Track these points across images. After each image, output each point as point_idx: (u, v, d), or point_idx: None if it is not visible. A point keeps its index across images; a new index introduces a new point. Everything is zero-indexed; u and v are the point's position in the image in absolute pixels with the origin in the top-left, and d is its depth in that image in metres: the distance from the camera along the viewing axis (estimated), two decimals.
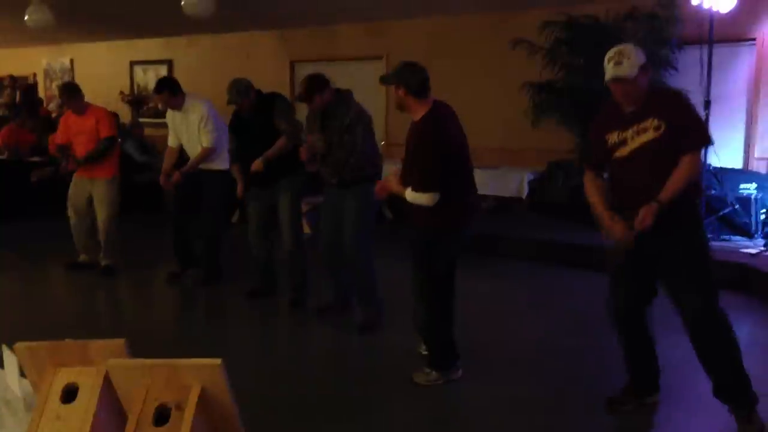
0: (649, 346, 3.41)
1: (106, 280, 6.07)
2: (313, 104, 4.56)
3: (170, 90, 5.63)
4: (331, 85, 4.59)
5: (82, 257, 6.33)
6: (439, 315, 3.78)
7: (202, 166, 5.67)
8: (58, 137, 6.24)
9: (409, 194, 3.56)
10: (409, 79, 3.58)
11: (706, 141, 3.15)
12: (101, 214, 6.03)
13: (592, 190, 3.29)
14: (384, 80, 3.76)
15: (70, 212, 6.15)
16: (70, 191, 6.13)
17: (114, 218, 6.06)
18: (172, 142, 5.82)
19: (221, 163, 5.65)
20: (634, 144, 3.09)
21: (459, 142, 3.67)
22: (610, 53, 3.09)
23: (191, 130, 5.64)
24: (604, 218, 3.16)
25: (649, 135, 3.03)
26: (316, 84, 4.52)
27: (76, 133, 6.01)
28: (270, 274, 5.48)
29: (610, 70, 3.06)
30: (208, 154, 5.59)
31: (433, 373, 3.81)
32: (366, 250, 4.57)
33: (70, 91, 6.01)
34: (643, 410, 3.45)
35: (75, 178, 6.12)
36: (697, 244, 3.12)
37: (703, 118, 6.71)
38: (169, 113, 5.78)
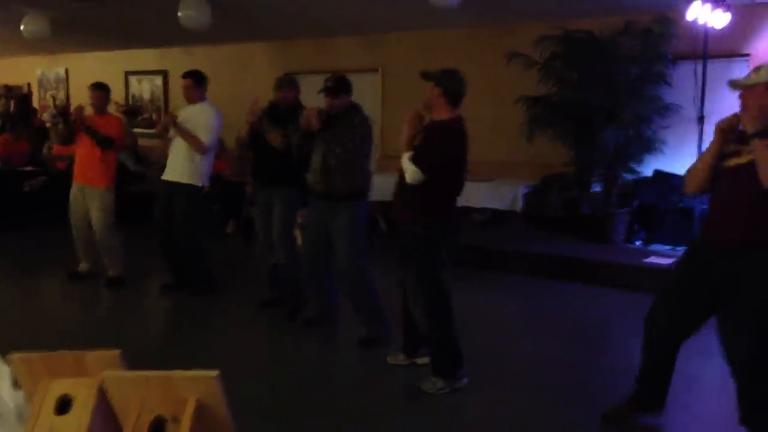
0: (669, 367, 3.36)
1: (101, 291, 6.03)
2: (334, 102, 4.51)
3: (196, 79, 5.68)
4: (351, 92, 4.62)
5: (82, 266, 6.29)
6: (442, 315, 3.81)
7: (174, 177, 5.63)
8: (79, 139, 6.22)
9: (406, 158, 3.70)
10: (449, 84, 3.76)
11: None
12: (96, 224, 6.00)
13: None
14: (426, 76, 3.85)
15: (72, 220, 6.14)
16: (70, 199, 6.12)
17: (109, 227, 6.03)
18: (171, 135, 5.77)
19: (195, 177, 5.61)
20: (746, 158, 2.99)
21: (466, 154, 3.89)
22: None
23: (193, 127, 5.57)
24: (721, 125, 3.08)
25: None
26: (346, 85, 4.56)
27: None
28: (280, 285, 5.44)
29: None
30: (198, 145, 5.52)
31: (440, 381, 3.82)
32: (363, 267, 4.54)
33: (98, 86, 6.12)
34: (643, 426, 3.43)
35: (74, 185, 6.10)
36: (764, 286, 2.98)
37: (697, 133, 6.76)
38: (181, 111, 5.77)
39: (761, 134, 2.88)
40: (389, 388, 4.02)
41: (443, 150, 3.73)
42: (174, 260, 5.88)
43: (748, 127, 2.93)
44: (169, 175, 5.71)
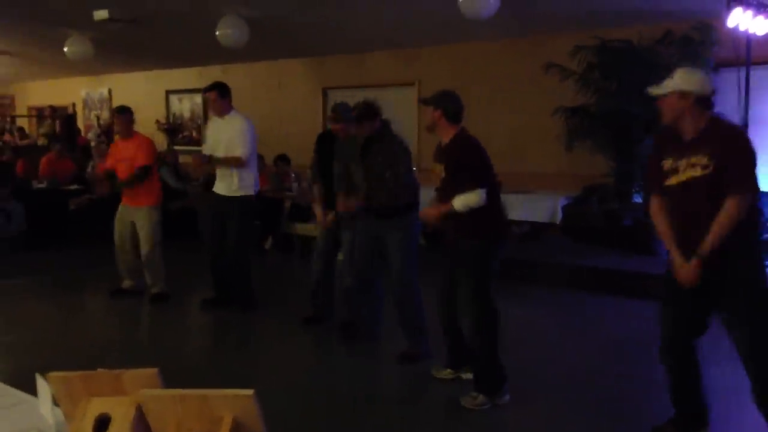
0: (696, 379, 3.30)
1: (144, 307, 6.12)
2: (360, 130, 4.59)
3: (219, 91, 5.67)
4: (380, 114, 4.66)
5: (126, 283, 6.39)
6: (489, 329, 3.81)
7: (224, 191, 5.68)
8: (106, 162, 6.40)
9: (458, 200, 3.72)
10: (448, 104, 3.86)
11: (751, 189, 2.98)
12: (144, 242, 6.10)
13: (660, 218, 3.22)
14: (425, 101, 3.98)
15: (116, 239, 6.24)
16: (116, 218, 6.23)
17: (156, 246, 6.12)
18: (205, 151, 5.84)
19: (244, 188, 5.66)
20: (683, 176, 3.04)
21: (489, 160, 3.91)
22: None
23: (227, 140, 5.63)
24: (674, 257, 3.11)
25: (697, 171, 2.99)
26: (371, 112, 4.60)
27: (119, 159, 6.14)
28: (324, 301, 5.44)
29: None
30: (238, 163, 5.57)
31: (480, 396, 3.80)
32: (413, 281, 4.54)
33: (119, 111, 6.20)
34: None
35: (120, 206, 6.22)
36: (751, 277, 3.03)
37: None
38: (210, 123, 5.83)
39: (698, 256, 2.97)
40: (431, 403, 4.01)
41: (470, 161, 3.80)
42: (220, 276, 5.92)
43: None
44: (219, 189, 5.76)
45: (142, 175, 6.00)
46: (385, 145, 4.55)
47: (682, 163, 3.04)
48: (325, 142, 5.32)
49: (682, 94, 3.02)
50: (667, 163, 3.11)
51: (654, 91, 3.12)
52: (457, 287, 3.87)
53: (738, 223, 2.94)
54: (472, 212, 3.73)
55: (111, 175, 6.24)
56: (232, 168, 5.61)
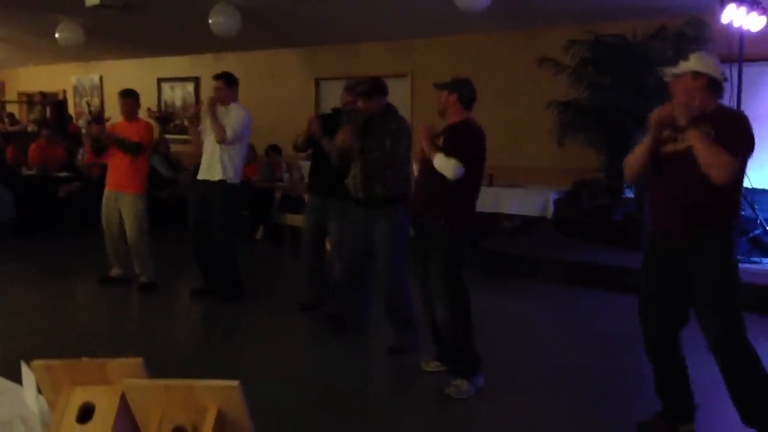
0: (681, 372, 3.33)
1: (132, 296, 6.10)
2: (368, 105, 4.50)
3: (226, 80, 5.73)
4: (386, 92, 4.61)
5: (114, 271, 6.37)
6: (464, 313, 3.86)
7: (208, 176, 5.68)
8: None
9: (439, 157, 3.78)
10: (464, 89, 3.98)
11: (740, 151, 2.95)
12: (129, 230, 6.08)
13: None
14: (441, 86, 4.03)
15: (104, 224, 6.22)
16: (102, 206, 6.21)
17: (142, 234, 6.10)
18: (203, 137, 5.83)
19: (228, 172, 5.65)
20: (682, 144, 3.04)
21: (484, 153, 3.97)
22: None
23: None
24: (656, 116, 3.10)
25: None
26: (381, 87, 4.54)
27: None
28: (319, 288, 5.44)
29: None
30: (222, 136, 5.54)
31: (465, 384, 3.84)
32: (400, 274, 4.51)
33: (125, 93, 6.19)
34: None
35: (105, 192, 6.19)
36: (722, 268, 3.05)
37: None
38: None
39: (694, 123, 2.95)
40: (421, 395, 4.01)
41: (466, 147, 3.84)
42: (205, 264, 5.91)
43: (681, 119, 2.99)
44: (203, 174, 5.76)
45: (134, 147, 5.95)
46: (392, 131, 4.44)
47: (684, 135, 3.04)
48: (331, 122, 5.26)
49: (696, 75, 3.08)
50: (666, 132, 3.12)
51: (669, 71, 3.18)
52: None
53: (715, 212, 3.01)
54: (446, 193, 3.78)
55: (101, 146, 6.15)
56: (221, 157, 5.62)
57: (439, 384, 4.01)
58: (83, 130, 12.05)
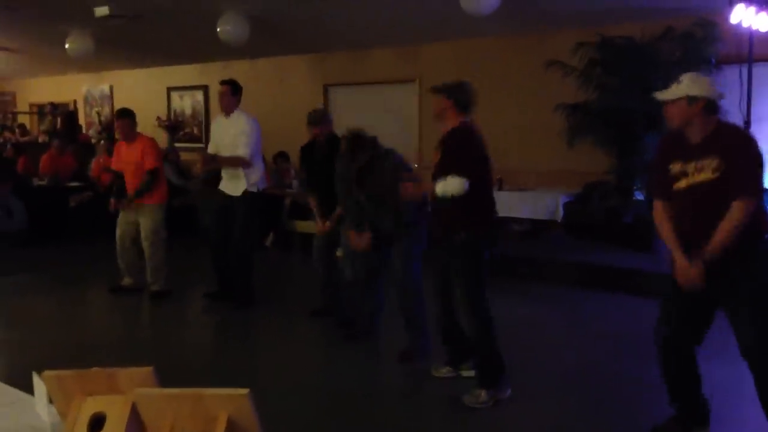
0: (695, 376, 3.30)
1: (143, 304, 6.12)
2: (354, 162, 4.47)
3: (232, 87, 5.77)
4: (370, 141, 4.53)
5: (126, 280, 6.39)
6: (489, 323, 3.81)
7: (230, 190, 5.74)
8: (113, 164, 6.38)
9: (440, 185, 3.71)
10: (460, 95, 3.91)
11: (755, 193, 2.96)
12: (147, 240, 6.10)
13: (663, 223, 3.21)
14: (437, 90, 4.00)
15: (118, 236, 6.24)
16: (119, 218, 6.24)
17: (160, 244, 6.13)
18: (210, 150, 5.91)
19: (251, 186, 5.71)
20: (693, 179, 3.04)
21: (487, 154, 3.90)
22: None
23: (231, 139, 5.69)
24: (679, 260, 3.10)
25: (708, 175, 2.99)
26: (364, 142, 4.50)
27: (125, 162, 6.14)
28: (330, 295, 5.46)
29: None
30: (239, 163, 5.64)
31: (483, 393, 3.79)
32: (416, 281, 4.52)
33: (119, 115, 6.19)
34: None
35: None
36: (753, 276, 3.02)
37: None
38: (215, 122, 5.90)
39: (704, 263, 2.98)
40: (432, 400, 4.00)
41: (464, 156, 3.77)
42: (223, 272, 5.95)
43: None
44: (226, 188, 5.81)
45: (153, 179, 6.02)
46: (380, 172, 4.42)
47: (691, 166, 3.04)
48: (309, 152, 5.36)
49: (691, 100, 3.02)
50: (676, 167, 3.11)
51: (662, 96, 3.11)
52: (452, 282, 3.86)
53: (742, 232, 2.95)
54: (460, 205, 3.71)
55: (117, 178, 6.25)
56: (239, 167, 5.66)
57: (449, 389, 4.00)
58: (93, 140, 12.18)
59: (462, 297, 3.81)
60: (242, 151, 5.61)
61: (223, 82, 5.85)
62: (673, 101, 3.05)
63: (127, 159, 6.11)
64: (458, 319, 3.89)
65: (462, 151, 3.78)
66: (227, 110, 5.77)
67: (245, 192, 5.70)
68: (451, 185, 3.68)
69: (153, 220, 6.10)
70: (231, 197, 5.76)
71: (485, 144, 3.90)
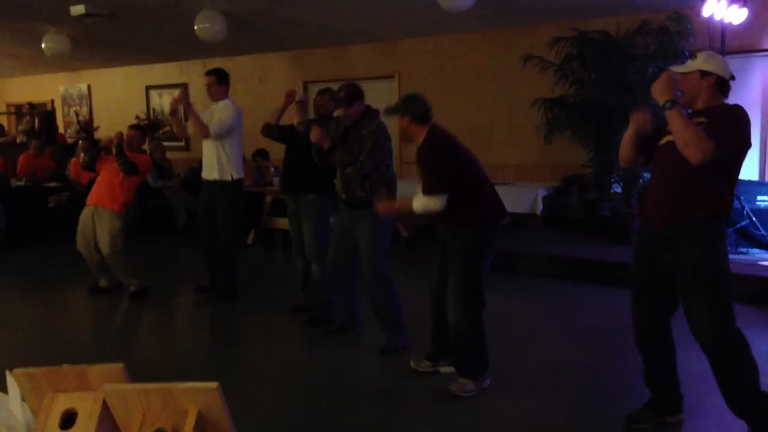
0: (669, 363, 3.36)
1: (122, 304, 6.09)
2: (349, 110, 4.49)
3: (218, 77, 5.79)
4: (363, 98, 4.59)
5: (102, 282, 6.34)
6: (478, 319, 3.84)
7: (210, 176, 5.76)
8: (100, 168, 6.27)
9: (416, 203, 3.76)
10: (413, 108, 3.87)
11: (720, 142, 2.92)
12: (103, 246, 6.01)
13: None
14: (389, 111, 3.99)
15: (79, 240, 6.14)
16: (80, 221, 6.14)
17: (116, 251, 6.01)
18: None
19: (229, 170, 5.74)
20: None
21: (465, 151, 3.90)
22: None
23: (213, 120, 5.72)
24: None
25: None
26: (358, 92, 4.54)
27: (108, 170, 6.08)
28: (310, 291, 5.48)
29: None
30: (201, 130, 5.65)
31: (469, 383, 3.85)
32: (382, 272, 4.53)
33: (134, 127, 6.40)
34: (663, 429, 3.38)
35: (85, 208, 6.15)
36: (710, 259, 3.06)
37: None
38: (206, 111, 5.88)
39: (672, 103, 2.99)
40: (412, 395, 4.02)
41: (434, 162, 3.76)
42: (214, 263, 5.97)
43: (659, 98, 3.04)
44: (205, 173, 5.87)
45: (129, 164, 5.93)
46: (365, 137, 4.44)
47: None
48: (290, 129, 5.36)
49: (704, 74, 3.10)
50: (667, 132, 3.14)
51: (676, 69, 3.18)
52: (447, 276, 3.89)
53: (703, 203, 3.02)
54: (454, 211, 3.74)
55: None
56: (217, 154, 5.73)
57: (430, 383, 4.03)
58: (71, 140, 12.08)
59: (457, 290, 3.80)
60: (213, 127, 5.65)
61: (208, 73, 5.86)
62: (686, 74, 3.13)
63: (111, 167, 6.06)
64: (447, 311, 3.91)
65: (433, 165, 3.75)
66: (214, 98, 5.80)
67: (223, 182, 5.73)
68: (427, 203, 3.72)
69: (107, 227, 5.97)
70: (213, 187, 5.78)
71: (459, 143, 3.89)
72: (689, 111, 3.13)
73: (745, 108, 3.11)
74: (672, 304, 3.26)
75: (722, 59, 3.20)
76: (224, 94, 5.81)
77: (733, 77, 3.16)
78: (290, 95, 5.39)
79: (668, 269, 3.15)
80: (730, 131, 2.99)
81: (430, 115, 3.88)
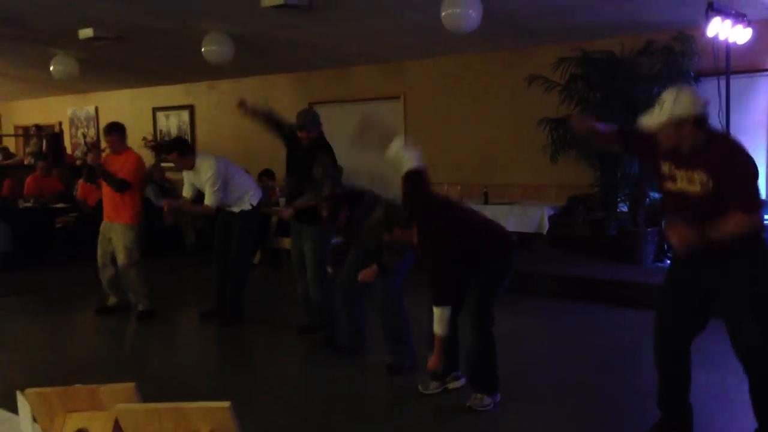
0: (685, 384, 3.32)
1: (130, 324, 6.09)
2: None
3: (179, 151, 5.78)
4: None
5: (111, 300, 6.37)
6: (492, 335, 3.92)
7: (233, 209, 5.85)
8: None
9: (436, 327, 3.79)
10: (397, 218, 3.88)
11: (756, 208, 2.92)
12: (119, 259, 6.09)
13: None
14: (380, 238, 4.06)
15: (98, 255, 6.23)
16: (99, 236, 6.23)
17: (132, 264, 6.08)
18: (185, 192, 5.98)
19: (250, 199, 5.86)
20: (682, 185, 3.03)
21: (441, 205, 4.02)
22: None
23: (201, 186, 5.80)
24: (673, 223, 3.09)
25: (696, 188, 2.96)
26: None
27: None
28: (314, 311, 5.47)
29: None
30: (207, 211, 5.89)
31: (485, 397, 3.90)
32: (396, 295, 4.56)
33: (110, 127, 6.19)
34: None
35: (102, 224, 6.22)
36: (754, 277, 3.01)
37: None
38: (187, 176, 5.92)
39: (704, 239, 2.90)
40: (422, 412, 4.01)
41: (448, 266, 3.83)
42: (223, 288, 6.00)
43: (683, 248, 2.96)
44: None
45: (117, 184, 5.97)
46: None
47: (680, 173, 3.02)
48: (294, 142, 5.42)
49: (680, 122, 2.89)
50: (665, 167, 3.09)
51: (647, 123, 2.99)
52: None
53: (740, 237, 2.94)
54: (475, 255, 3.88)
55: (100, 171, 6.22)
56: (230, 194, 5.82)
57: (438, 401, 4.02)
58: (78, 162, 12.14)
59: (473, 307, 3.86)
60: (209, 199, 5.71)
61: (166, 150, 6.01)
62: (659, 127, 2.94)
63: (110, 169, 6.07)
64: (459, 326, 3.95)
65: (437, 265, 3.79)
66: (187, 168, 5.81)
67: (242, 210, 5.83)
68: (440, 314, 3.75)
69: (122, 240, 6.05)
70: (230, 215, 5.86)
71: (445, 210, 3.97)
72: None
73: (750, 154, 2.99)
74: (701, 327, 3.22)
75: (691, 91, 3.00)
76: (191, 161, 5.77)
77: (706, 104, 2.97)
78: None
79: (706, 291, 3.10)
80: (750, 183, 2.93)
81: (412, 219, 3.84)
